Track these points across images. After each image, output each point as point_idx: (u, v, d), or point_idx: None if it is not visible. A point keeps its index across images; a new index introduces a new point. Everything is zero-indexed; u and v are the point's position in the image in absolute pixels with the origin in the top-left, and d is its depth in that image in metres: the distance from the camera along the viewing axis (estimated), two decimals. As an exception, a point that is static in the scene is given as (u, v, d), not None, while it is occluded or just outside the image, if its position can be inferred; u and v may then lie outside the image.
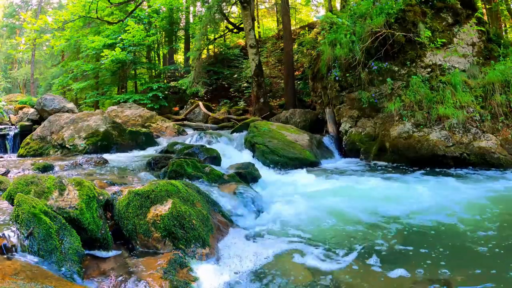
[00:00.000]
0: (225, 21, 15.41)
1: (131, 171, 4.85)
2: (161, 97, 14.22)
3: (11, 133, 8.74)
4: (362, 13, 7.39)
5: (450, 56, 6.73)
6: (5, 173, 4.38)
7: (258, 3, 20.08)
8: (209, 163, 4.89)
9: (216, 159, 5.49)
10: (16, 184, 2.42)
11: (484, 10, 10.43)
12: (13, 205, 2.21)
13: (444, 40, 6.65)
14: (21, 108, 12.47)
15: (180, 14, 18.26)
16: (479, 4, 10.02)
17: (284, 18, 12.02)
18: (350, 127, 7.49)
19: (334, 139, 7.92)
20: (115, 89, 16.49)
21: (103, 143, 7.03)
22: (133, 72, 16.35)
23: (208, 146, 6.35)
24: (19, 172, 4.57)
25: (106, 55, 13.33)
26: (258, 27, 19.83)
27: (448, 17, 7.03)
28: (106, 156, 6.05)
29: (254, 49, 11.10)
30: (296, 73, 13.24)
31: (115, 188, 3.14)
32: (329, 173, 5.68)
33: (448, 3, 7.02)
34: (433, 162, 5.92)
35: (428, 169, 5.81)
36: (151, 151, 7.22)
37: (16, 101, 14.55)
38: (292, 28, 13.98)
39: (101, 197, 2.63)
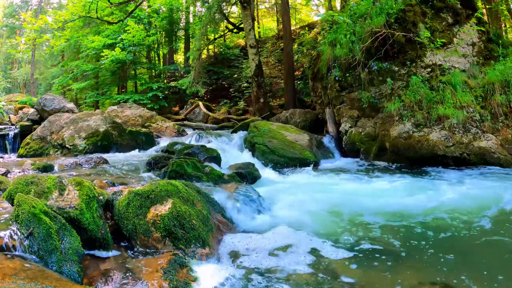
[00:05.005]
0: (225, 21, 15.40)
1: (131, 171, 4.86)
2: (161, 97, 14.22)
3: (11, 133, 8.72)
4: (362, 13, 7.38)
5: (450, 56, 6.72)
6: (5, 173, 4.38)
7: (258, 3, 20.07)
8: (209, 163, 4.90)
9: (216, 159, 5.50)
10: (16, 184, 2.42)
11: (484, 10, 10.40)
12: (13, 205, 2.21)
13: (444, 40, 6.65)
14: (21, 108, 12.48)
15: (180, 14, 18.25)
16: (479, 4, 10.01)
17: (284, 18, 12.02)
18: (350, 127, 7.49)
19: (334, 139, 7.92)
20: (115, 89, 16.49)
21: (103, 143, 7.03)
22: (133, 72, 16.35)
23: (208, 146, 6.35)
24: (19, 172, 4.57)
25: (106, 55, 13.33)
26: (258, 27, 19.82)
27: (448, 17, 7.03)
28: (106, 156, 6.04)
29: (254, 49, 11.10)
30: (296, 73, 13.23)
31: (115, 188, 3.15)
32: (329, 173, 5.68)
33: (448, 3, 7.01)
34: (433, 162, 5.91)
35: (428, 169, 5.81)
36: (151, 151, 7.22)
37: (16, 101, 14.57)
38: (292, 28, 13.97)
39: (101, 197, 2.63)
